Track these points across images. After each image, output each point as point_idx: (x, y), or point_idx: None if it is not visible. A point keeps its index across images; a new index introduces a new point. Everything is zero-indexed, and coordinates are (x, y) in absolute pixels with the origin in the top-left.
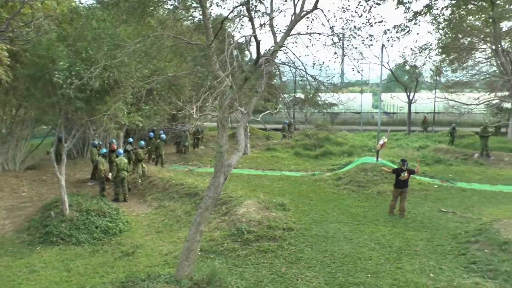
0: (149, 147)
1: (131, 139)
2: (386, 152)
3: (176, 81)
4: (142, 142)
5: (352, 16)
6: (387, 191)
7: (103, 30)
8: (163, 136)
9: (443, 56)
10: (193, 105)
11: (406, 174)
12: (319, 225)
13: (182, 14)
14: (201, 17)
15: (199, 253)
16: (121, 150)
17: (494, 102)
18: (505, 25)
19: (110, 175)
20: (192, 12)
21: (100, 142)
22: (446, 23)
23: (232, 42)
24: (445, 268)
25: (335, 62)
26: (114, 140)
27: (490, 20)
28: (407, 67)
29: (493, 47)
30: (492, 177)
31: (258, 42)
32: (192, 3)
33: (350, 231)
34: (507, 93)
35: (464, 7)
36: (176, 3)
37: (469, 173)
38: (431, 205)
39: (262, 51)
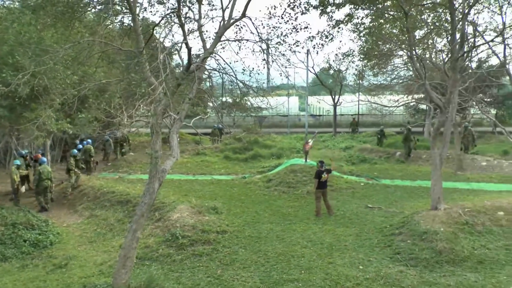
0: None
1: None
2: (314, 153)
3: (106, 88)
4: (75, 151)
5: (278, 22)
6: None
7: (26, 34)
8: (85, 142)
9: (365, 61)
10: (124, 112)
11: (326, 175)
12: (251, 226)
13: (111, 19)
14: (130, 22)
15: (134, 261)
16: (44, 158)
17: (411, 104)
18: (418, 33)
19: (23, 188)
20: (122, 17)
21: (26, 152)
22: (367, 31)
23: (164, 48)
24: (373, 260)
25: (264, 67)
26: (40, 150)
27: (405, 29)
28: (332, 72)
29: (409, 53)
30: (412, 174)
31: (189, 49)
32: (122, 8)
33: (282, 230)
34: (422, 96)
35: (381, 17)
36: (105, 8)
37: (392, 171)
38: (359, 202)
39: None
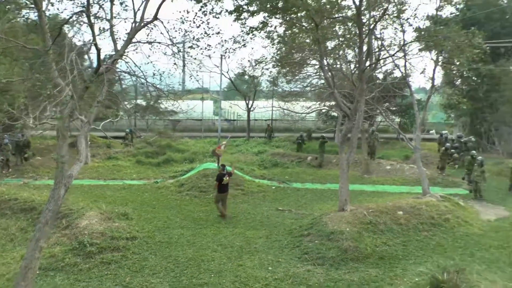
0: None
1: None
2: (227, 158)
3: (8, 87)
4: None
5: (190, 27)
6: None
7: None
8: None
9: (278, 68)
10: (30, 114)
11: (227, 178)
12: (162, 232)
13: (14, 14)
14: (36, 18)
15: (38, 271)
16: None
17: (323, 110)
18: (330, 44)
19: None
20: (27, 12)
21: None
22: (280, 39)
23: (72, 48)
24: (282, 261)
25: (175, 71)
26: None
27: (316, 40)
28: (246, 77)
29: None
30: (322, 177)
31: (98, 50)
32: (26, 3)
33: (193, 235)
34: (333, 103)
35: (294, 26)
36: (6, 1)
37: (303, 174)
38: (269, 205)
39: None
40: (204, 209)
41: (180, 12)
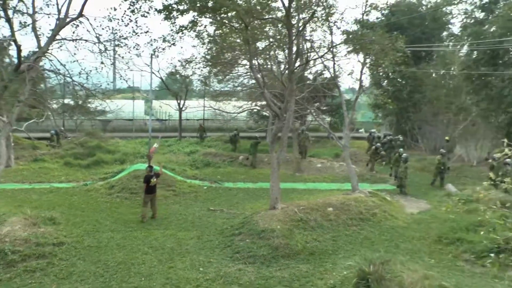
0: None
1: None
2: (159, 158)
3: None
4: None
5: (118, 25)
6: (159, 196)
7: None
8: None
9: (209, 68)
10: None
11: (155, 179)
12: (91, 236)
13: None
14: None
15: None
16: None
17: (254, 110)
18: (261, 44)
19: None
20: None
21: None
22: (211, 39)
23: None
24: (214, 261)
25: (102, 69)
26: None
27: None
28: (178, 76)
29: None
30: (254, 176)
31: (18, 47)
32: None
33: (123, 238)
34: (264, 103)
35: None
36: None
37: (235, 174)
38: (201, 205)
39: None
40: (135, 211)
41: (107, 9)
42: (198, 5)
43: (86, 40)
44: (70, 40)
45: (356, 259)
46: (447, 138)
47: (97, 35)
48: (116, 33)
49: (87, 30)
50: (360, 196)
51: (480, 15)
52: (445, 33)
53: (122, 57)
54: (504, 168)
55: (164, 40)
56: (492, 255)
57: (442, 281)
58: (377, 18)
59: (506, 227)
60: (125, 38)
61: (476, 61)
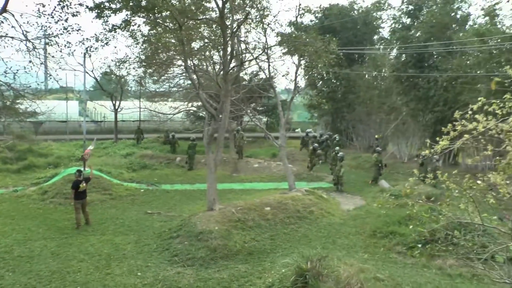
0: None
1: None
2: (94, 161)
3: None
4: None
5: (48, 22)
6: (95, 200)
7: None
8: None
9: (144, 68)
10: None
11: (84, 184)
12: (22, 245)
13: None
14: None
15: None
16: None
17: (191, 111)
18: (195, 45)
19: None
20: None
21: None
22: (145, 38)
23: None
24: (152, 265)
25: (31, 69)
26: None
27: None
28: (113, 76)
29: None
30: (192, 178)
31: None
32: None
33: (57, 246)
34: (200, 104)
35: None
36: None
37: (172, 176)
38: (138, 209)
39: None
40: (70, 217)
41: (36, 5)
42: (131, 4)
43: (12, 37)
44: None
45: (294, 257)
46: (377, 136)
47: (24, 32)
48: (46, 30)
49: (12, 27)
50: (297, 194)
51: (406, 20)
52: (376, 37)
53: (53, 56)
54: (432, 164)
55: (96, 40)
56: (420, 246)
57: (377, 273)
58: (311, 21)
59: (432, 219)
60: (55, 36)
61: (405, 64)
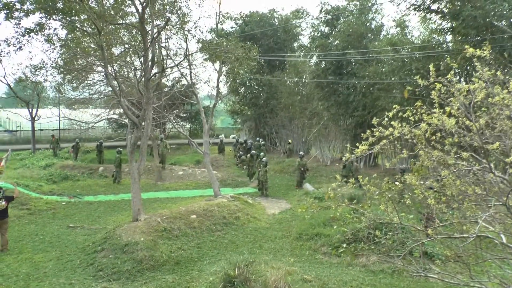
0: None
1: None
2: (10, 174)
3: None
4: None
5: None
6: (11, 216)
7: None
8: None
9: (63, 75)
10: None
11: (4, 203)
12: None
13: None
14: None
15: None
16: None
17: (112, 119)
18: (116, 50)
19: None
20: None
21: None
22: (62, 43)
23: None
24: (75, 282)
25: None
26: None
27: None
28: (28, 83)
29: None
30: (115, 188)
31: None
32: None
33: None
34: (122, 111)
35: (77, 30)
36: None
37: (95, 186)
38: (60, 223)
39: None
40: None
41: None
42: (45, 5)
43: None
44: None
45: (222, 264)
46: (289, 141)
47: None
48: None
49: None
50: (222, 201)
51: (325, 29)
52: (296, 44)
53: None
54: (353, 166)
55: (8, 44)
56: (345, 246)
57: (304, 274)
58: (231, 28)
59: (355, 220)
60: None
61: (325, 71)
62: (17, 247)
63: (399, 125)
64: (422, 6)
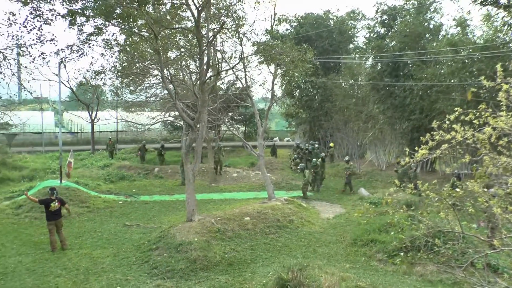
0: None
1: None
2: (71, 173)
3: None
4: None
5: (20, 31)
6: (71, 213)
7: None
8: None
9: (121, 79)
10: None
11: (57, 204)
12: None
13: None
14: None
15: None
16: None
17: (168, 121)
18: (172, 54)
19: None
20: None
21: None
22: (121, 48)
23: None
24: (131, 279)
25: (3, 80)
26: None
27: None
28: (89, 86)
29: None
30: (170, 188)
31: None
32: None
33: (33, 261)
34: (178, 113)
35: (135, 35)
36: None
37: (151, 186)
38: (117, 221)
39: None
40: (46, 231)
41: (6, 14)
42: (104, 11)
43: None
44: None
45: (275, 267)
46: (331, 144)
47: None
48: (18, 40)
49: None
50: (276, 204)
51: (381, 30)
52: (351, 46)
53: (26, 67)
54: (412, 172)
55: (71, 51)
56: (401, 253)
57: (358, 281)
58: (286, 30)
59: (412, 227)
60: (27, 47)
61: (380, 73)
62: (77, 242)
63: (462, 128)
64: (490, 0)
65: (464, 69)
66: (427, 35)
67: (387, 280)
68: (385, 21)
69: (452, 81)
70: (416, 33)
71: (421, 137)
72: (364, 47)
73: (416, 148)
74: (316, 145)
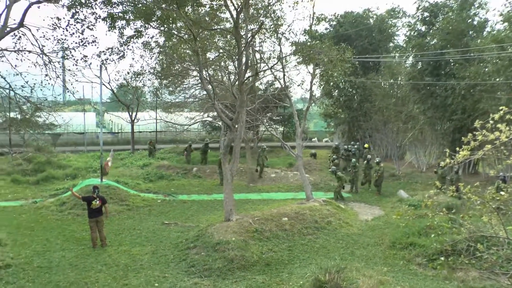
0: None
1: None
2: (112, 172)
3: None
4: None
5: (64, 35)
6: (112, 211)
7: None
8: None
9: (160, 80)
10: None
11: (98, 202)
12: (41, 256)
13: None
14: None
15: None
16: None
17: (207, 122)
18: (210, 55)
19: None
20: None
21: None
22: (160, 49)
23: None
24: (169, 276)
25: (48, 83)
26: None
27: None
28: (129, 88)
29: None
30: (208, 188)
31: None
32: None
33: (76, 257)
34: (216, 114)
35: (174, 37)
36: None
37: (189, 186)
38: (155, 219)
39: None
40: (88, 228)
41: (51, 19)
42: (144, 14)
43: (29, 51)
44: (11, 51)
45: (312, 268)
46: (366, 145)
47: (41, 46)
48: (62, 43)
49: (27, 40)
50: (314, 205)
51: (422, 28)
52: (391, 45)
53: (69, 69)
54: (454, 175)
55: (112, 53)
56: (442, 258)
57: (397, 285)
58: (325, 29)
59: (453, 230)
60: (71, 50)
61: (421, 72)
62: (117, 239)
63: (507, 128)
64: None
65: (511, 67)
66: (470, 32)
67: (427, 285)
68: (426, 19)
69: (498, 79)
70: (459, 30)
71: (462, 138)
72: (404, 45)
73: (457, 149)
74: (356, 146)
